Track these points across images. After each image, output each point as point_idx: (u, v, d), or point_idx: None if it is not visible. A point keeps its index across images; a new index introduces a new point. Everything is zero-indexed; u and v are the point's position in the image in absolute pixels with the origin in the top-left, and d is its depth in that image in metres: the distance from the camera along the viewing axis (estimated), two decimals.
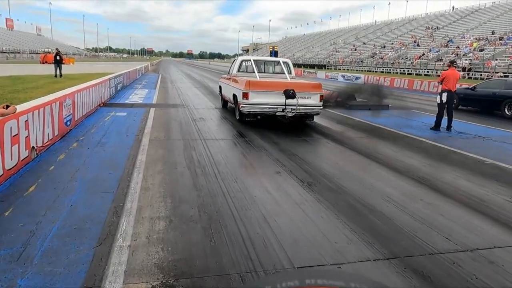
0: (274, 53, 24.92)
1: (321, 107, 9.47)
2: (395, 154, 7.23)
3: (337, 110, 12.62)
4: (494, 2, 62.15)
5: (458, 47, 49.23)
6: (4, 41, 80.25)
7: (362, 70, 53.14)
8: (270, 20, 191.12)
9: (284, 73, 10.92)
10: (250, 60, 11.30)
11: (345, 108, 13.30)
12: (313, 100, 9.14)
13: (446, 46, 51.33)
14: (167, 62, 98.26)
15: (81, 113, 9.15)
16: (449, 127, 9.84)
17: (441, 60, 46.26)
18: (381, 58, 58.67)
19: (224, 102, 12.48)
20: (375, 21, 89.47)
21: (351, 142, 8.05)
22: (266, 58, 12.62)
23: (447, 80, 9.48)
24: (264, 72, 11.33)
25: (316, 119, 9.95)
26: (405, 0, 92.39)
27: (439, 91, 9.90)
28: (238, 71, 11.13)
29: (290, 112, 8.92)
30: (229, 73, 11.70)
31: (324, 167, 6.05)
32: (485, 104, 13.87)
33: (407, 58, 53.69)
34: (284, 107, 8.84)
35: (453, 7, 70.85)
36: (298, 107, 8.81)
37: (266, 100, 8.88)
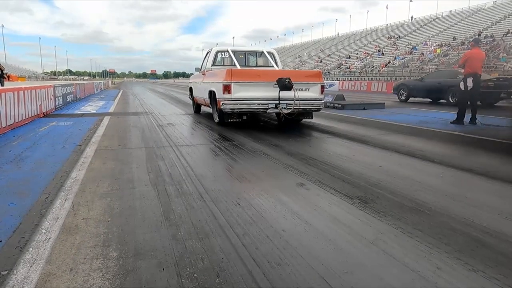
0: None
1: (323, 101, 7.47)
2: (443, 151, 5.31)
3: (328, 110, 10.71)
4: (451, 11, 64.18)
5: (423, 53, 49.75)
6: None
7: (331, 80, 52.78)
8: (233, 38, 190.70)
9: (271, 66, 8.94)
10: (227, 51, 9.03)
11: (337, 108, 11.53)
12: (313, 93, 7.21)
13: (411, 53, 51.86)
14: (130, 82, 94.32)
15: (3, 122, 6.68)
16: (473, 120, 8.13)
17: (407, 66, 46.57)
18: (348, 68, 58.66)
19: (197, 106, 10.39)
20: (338, 34, 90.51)
21: (373, 140, 6.05)
22: (246, 48, 10.36)
23: (471, 62, 7.76)
24: (246, 65, 9.20)
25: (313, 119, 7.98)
26: (365, 12, 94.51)
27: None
28: (213, 64, 8.99)
29: (285, 108, 6.89)
30: (201, 69, 9.65)
31: (366, 172, 3.96)
32: (433, 94, 14.79)
33: (373, 66, 53.84)
34: (278, 102, 6.85)
35: (411, 17, 72.70)
36: (296, 101, 6.78)
37: (254, 94, 6.85)
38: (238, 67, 8.24)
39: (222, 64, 9.23)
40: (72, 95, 15.03)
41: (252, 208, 2.86)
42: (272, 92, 6.83)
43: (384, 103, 12.86)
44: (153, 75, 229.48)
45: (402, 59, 51.12)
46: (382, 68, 50.87)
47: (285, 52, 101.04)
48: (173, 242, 2.27)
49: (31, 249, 2.16)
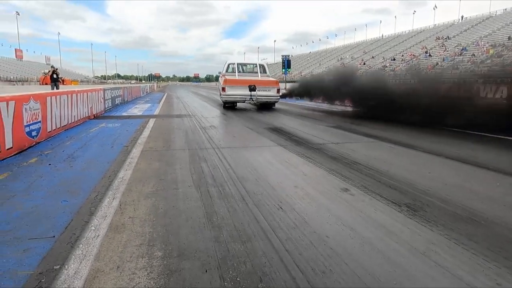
0: (287, 62, 22.97)
1: (278, 97, 12.81)
2: (499, 157, 4.99)
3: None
4: (506, 9, 60.49)
5: (474, 54, 47.28)
6: (13, 71, 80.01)
7: None
8: (275, 41, 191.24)
9: (256, 72, 13.82)
10: (234, 64, 14.14)
11: None
12: (272, 92, 12.48)
13: (460, 54, 49.45)
14: (174, 86, 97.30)
15: (58, 123, 7.07)
16: None
17: (457, 68, 44.46)
18: (392, 71, 56.87)
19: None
20: (382, 35, 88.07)
21: (420, 144, 5.78)
22: (246, 61, 16.25)
23: None
24: (244, 72, 14.13)
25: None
26: (411, 13, 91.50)
27: None
28: (227, 71, 13.93)
29: (254, 100, 12.18)
30: (222, 72, 14.38)
31: (413, 178, 3.79)
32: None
33: (420, 69, 51.84)
34: (250, 97, 12.10)
35: (462, 17, 69.30)
36: (257, 97, 12.14)
37: (238, 92, 12.19)
38: (236, 75, 13.42)
39: (232, 71, 13.87)
40: (120, 98, 15.68)
41: (294, 212, 2.81)
42: (247, 91, 11.98)
43: None
44: (196, 79, 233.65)
45: (451, 60, 48.88)
46: (429, 71, 48.96)
47: (327, 55, 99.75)
48: (215, 244, 2.27)
49: (81, 245, 2.25)
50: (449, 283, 1.85)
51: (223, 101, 12.70)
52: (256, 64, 14.54)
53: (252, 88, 11.93)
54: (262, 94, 12.10)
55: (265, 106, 13.02)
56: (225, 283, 1.84)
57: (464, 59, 47.55)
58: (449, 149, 5.46)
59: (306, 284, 1.82)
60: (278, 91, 12.58)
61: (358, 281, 1.85)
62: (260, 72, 13.78)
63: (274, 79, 13.69)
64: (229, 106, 12.94)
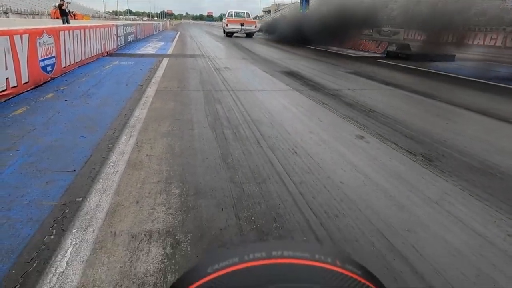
0: (306, 1, 21.85)
1: (256, 30, 22.79)
2: None
3: (391, 60, 10.08)
4: None
5: None
6: (23, 3, 78.19)
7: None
8: None
9: (244, 17, 22.70)
10: (232, 12, 22.76)
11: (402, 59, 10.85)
12: (252, 27, 22.40)
13: None
14: (187, 24, 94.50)
15: (72, 59, 7.01)
16: None
17: (484, 15, 41.75)
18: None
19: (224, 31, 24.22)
20: None
21: (439, 94, 5.63)
22: (239, 10, 23.56)
23: None
24: (238, 17, 22.54)
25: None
26: None
27: None
28: (228, 16, 22.50)
29: (242, 31, 21.98)
30: (225, 17, 23.52)
31: (430, 129, 3.74)
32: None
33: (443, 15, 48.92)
34: (240, 29, 21.98)
35: None
36: (244, 29, 22.01)
37: (234, 27, 22.08)
38: (233, 17, 22.40)
39: (231, 16, 22.32)
40: (133, 35, 15.35)
41: (309, 157, 2.83)
42: (239, 26, 22.09)
43: (454, 55, 11.85)
44: (210, 18, 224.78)
45: (478, 7, 45.89)
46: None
47: None
48: (231, 185, 2.32)
49: (101, 180, 2.32)
50: (462, 232, 1.88)
51: (226, 31, 22.84)
52: (245, 12, 23.75)
53: (242, 24, 21.87)
54: (247, 28, 22.02)
55: (249, 35, 22.56)
56: (241, 222, 1.90)
57: (493, 4, 44.59)
58: (470, 100, 5.32)
59: (319, 226, 1.88)
60: (256, 26, 22.75)
61: (370, 226, 1.90)
62: (247, 17, 23.11)
63: (254, 20, 24.46)
64: (229, 35, 22.55)
